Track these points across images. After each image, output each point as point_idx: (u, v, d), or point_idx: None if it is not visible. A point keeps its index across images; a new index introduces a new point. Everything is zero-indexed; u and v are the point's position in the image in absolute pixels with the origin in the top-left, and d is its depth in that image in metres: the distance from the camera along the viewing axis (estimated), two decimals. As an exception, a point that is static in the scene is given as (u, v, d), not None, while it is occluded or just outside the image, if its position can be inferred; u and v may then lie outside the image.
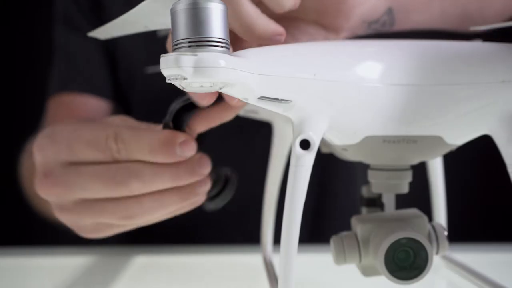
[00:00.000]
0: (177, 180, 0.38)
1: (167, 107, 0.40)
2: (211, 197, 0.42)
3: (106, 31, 0.39)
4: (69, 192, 0.40)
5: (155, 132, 0.38)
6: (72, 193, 0.39)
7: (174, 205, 0.39)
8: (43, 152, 0.41)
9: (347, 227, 0.40)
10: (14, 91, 1.14)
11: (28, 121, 1.10)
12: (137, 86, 0.72)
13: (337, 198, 0.76)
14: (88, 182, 0.39)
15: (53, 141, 0.40)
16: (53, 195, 0.41)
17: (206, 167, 0.39)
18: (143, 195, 0.39)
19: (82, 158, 0.39)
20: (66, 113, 0.73)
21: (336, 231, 0.39)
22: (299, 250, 0.32)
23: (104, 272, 0.55)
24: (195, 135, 0.40)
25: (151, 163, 0.38)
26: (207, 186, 0.40)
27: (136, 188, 0.38)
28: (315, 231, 0.71)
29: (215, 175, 0.42)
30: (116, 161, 0.39)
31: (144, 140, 0.38)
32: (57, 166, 0.40)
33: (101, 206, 0.39)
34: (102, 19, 0.46)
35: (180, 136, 0.38)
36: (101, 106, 0.71)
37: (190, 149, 0.38)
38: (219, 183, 0.42)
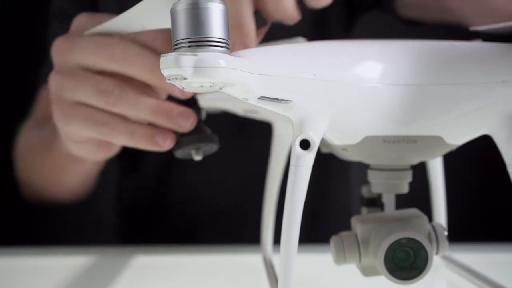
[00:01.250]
0: (154, 116, 0.39)
1: None
2: (181, 142, 0.40)
3: (102, 30, 0.39)
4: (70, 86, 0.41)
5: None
6: (72, 91, 0.40)
7: (140, 134, 0.40)
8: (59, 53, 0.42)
9: (345, 227, 0.40)
10: (14, 91, 1.14)
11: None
12: None
13: (332, 198, 0.76)
14: (82, 88, 0.40)
15: (70, 47, 0.41)
16: (56, 81, 0.41)
17: (187, 121, 0.39)
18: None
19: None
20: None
21: (333, 232, 0.39)
22: (299, 250, 0.32)
23: (104, 272, 0.55)
24: None
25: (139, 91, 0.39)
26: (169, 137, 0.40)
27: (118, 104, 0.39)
28: (312, 232, 0.71)
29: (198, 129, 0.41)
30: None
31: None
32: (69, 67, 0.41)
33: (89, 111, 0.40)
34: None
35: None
36: None
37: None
38: (196, 133, 0.40)
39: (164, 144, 0.39)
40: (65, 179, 0.70)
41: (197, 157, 0.41)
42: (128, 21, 0.36)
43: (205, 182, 0.76)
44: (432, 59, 0.34)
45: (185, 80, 0.29)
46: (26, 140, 0.73)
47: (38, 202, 0.75)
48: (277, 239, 0.43)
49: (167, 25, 0.31)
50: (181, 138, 0.40)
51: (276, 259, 0.50)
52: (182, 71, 0.28)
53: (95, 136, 0.41)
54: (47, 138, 0.63)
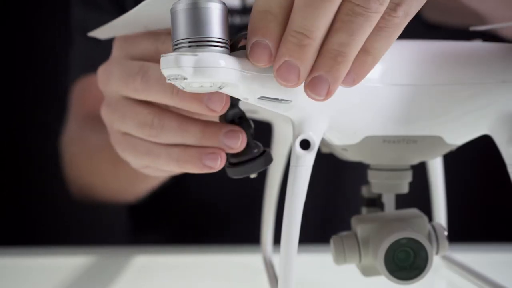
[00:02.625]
0: (201, 141, 0.36)
1: None
2: (234, 163, 0.38)
3: (106, 31, 0.39)
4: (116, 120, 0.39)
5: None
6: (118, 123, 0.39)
7: (186, 160, 0.37)
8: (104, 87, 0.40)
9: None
10: (14, 91, 1.14)
11: (27, 122, 1.10)
12: None
13: (346, 197, 0.76)
14: (125, 120, 0.38)
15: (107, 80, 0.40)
16: (105, 113, 0.40)
17: (233, 140, 0.36)
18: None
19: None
20: (95, 95, 0.72)
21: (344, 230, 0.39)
22: (299, 250, 0.32)
23: (104, 272, 0.55)
24: None
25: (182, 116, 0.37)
26: (219, 160, 0.37)
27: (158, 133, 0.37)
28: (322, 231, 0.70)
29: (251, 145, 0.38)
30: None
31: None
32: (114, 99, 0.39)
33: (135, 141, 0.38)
34: None
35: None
36: None
37: (219, 101, 0.34)
38: (248, 151, 0.37)
39: (215, 166, 0.36)
40: (120, 184, 0.69)
41: (253, 176, 0.38)
42: (130, 22, 0.36)
43: (205, 182, 0.76)
44: (432, 59, 0.34)
45: (185, 80, 0.29)
46: (75, 142, 0.72)
47: (85, 201, 0.74)
48: (277, 239, 0.43)
49: (169, 25, 0.31)
50: (232, 159, 0.37)
51: (276, 259, 0.50)
52: (182, 71, 0.28)
53: (141, 166, 0.40)
54: (101, 135, 0.60)
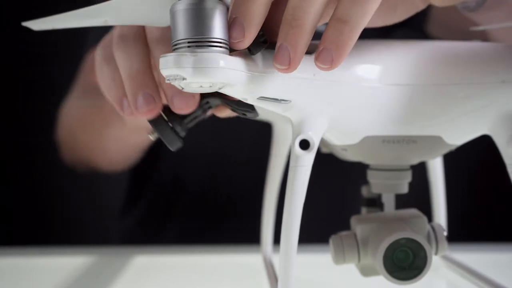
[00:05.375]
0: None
1: None
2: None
3: (57, 22, 0.38)
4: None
5: None
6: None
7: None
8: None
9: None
10: (13, 91, 1.14)
11: (28, 123, 1.11)
12: None
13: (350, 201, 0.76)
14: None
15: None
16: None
17: (145, 108, 0.35)
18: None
19: None
20: None
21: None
22: (299, 250, 0.32)
23: (104, 272, 0.55)
24: None
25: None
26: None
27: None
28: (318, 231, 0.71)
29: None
30: None
31: None
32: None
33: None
34: None
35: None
36: None
37: (183, 102, 0.35)
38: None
39: (125, 112, 0.36)
40: (109, 143, 0.69)
41: (152, 138, 0.38)
42: (91, 15, 0.35)
43: (205, 182, 0.76)
44: (431, 59, 0.34)
45: (185, 81, 0.29)
46: (75, 105, 0.73)
47: (77, 168, 0.74)
48: (277, 239, 0.43)
49: (129, 21, 0.32)
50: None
51: (276, 259, 0.50)
52: (181, 71, 0.28)
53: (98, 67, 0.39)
54: (98, 102, 0.62)
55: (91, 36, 0.73)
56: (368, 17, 0.29)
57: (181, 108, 0.35)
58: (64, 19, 0.36)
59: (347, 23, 0.28)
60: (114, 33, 0.38)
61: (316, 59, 0.29)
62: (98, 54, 0.39)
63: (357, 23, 0.29)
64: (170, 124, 0.36)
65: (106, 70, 0.38)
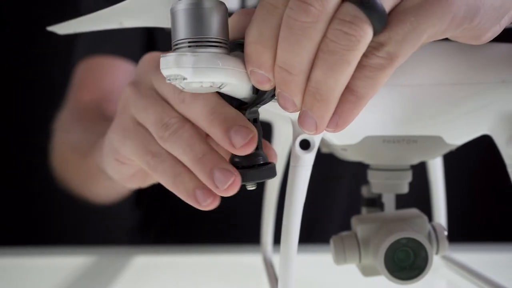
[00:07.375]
0: (194, 164, 0.33)
1: None
2: (236, 165, 0.34)
3: (78, 25, 0.38)
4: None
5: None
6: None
7: (183, 182, 0.34)
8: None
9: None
10: (13, 92, 1.14)
11: (27, 123, 1.10)
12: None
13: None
14: (148, 110, 0.36)
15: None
16: (130, 92, 0.37)
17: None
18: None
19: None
20: (96, 77, 0.70)
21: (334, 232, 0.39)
22: (299, 250, 0.32)
23: (104, 272, 0.55)
24: None
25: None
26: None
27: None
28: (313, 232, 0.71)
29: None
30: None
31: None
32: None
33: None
34: None
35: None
36: (132, 70, 0.68)
37: (242, 137, 0.32)
38: (254, 157, 0.34)
39: (203, 203, 0.33)
40: (97, 189, 0.68)
41: (250, 187, 0.34)
42: (106, 18, 0.35)
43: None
44: (432, 59, 0.34)
45: (185, 80, 0.29)
46: (65, 136, 0.72)
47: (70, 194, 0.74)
48: (277, 239, 0.43)
49: (142, 23, 0.31)
50: (235, 159, 0.33)
51: (276, 259, 0.50)
52: (182, 71, 0.28)
53: (140, 163, 0.36)
54: (89, 141, 0.59)
55: (80, 45, 0.72)
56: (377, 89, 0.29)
57: (242, 145, 0.32)
58: (84, 23, 0.36)
59: (353, 92, 0.29)
60: (146, 122, 0.35)
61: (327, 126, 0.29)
62: (135, 154, 0.36)
63: (364, 94, 0.29)
64: (252, 166, 0.33)
65: (162, 167, 0.35)
